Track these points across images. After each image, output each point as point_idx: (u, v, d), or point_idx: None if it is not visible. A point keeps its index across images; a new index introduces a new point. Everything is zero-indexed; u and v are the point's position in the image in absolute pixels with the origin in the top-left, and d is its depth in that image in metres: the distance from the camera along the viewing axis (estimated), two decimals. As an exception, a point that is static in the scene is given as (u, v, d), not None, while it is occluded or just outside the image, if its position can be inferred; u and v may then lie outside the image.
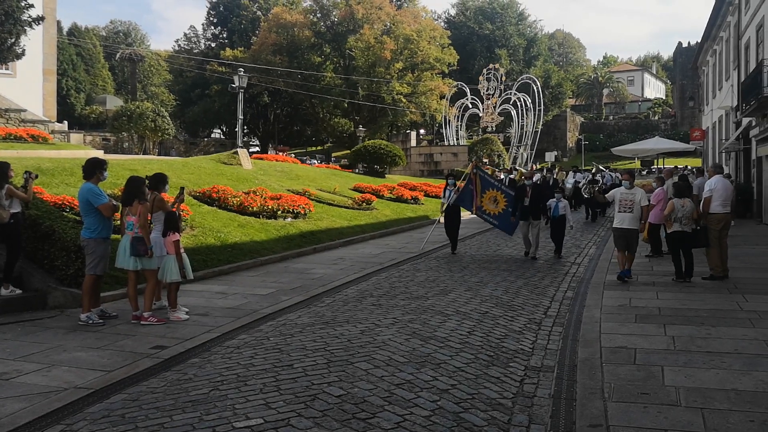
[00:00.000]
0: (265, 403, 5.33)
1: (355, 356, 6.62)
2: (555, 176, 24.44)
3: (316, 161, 51.39)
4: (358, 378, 5.94)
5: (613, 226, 11.44)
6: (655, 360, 6.51)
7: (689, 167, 34.85)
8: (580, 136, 67.72)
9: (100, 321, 8.18)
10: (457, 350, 6.94)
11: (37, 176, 9.50)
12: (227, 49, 63.40)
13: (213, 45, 70.62)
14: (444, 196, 15.44)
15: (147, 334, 7.75)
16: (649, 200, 11.62)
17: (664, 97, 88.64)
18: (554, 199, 14.48)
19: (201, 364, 6.51)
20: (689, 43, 66.61)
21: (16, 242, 8.99)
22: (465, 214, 16.34)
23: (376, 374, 6.05)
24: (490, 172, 20.89)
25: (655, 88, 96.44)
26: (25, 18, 23.62)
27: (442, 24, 70.32)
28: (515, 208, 14.18)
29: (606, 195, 12.30)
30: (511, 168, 33.02)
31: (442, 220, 15.56)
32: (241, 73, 26.86)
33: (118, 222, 8.97)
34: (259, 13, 69.35)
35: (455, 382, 5.93)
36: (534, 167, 32.86)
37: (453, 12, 75.75)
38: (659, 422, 4.96)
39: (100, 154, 19.59)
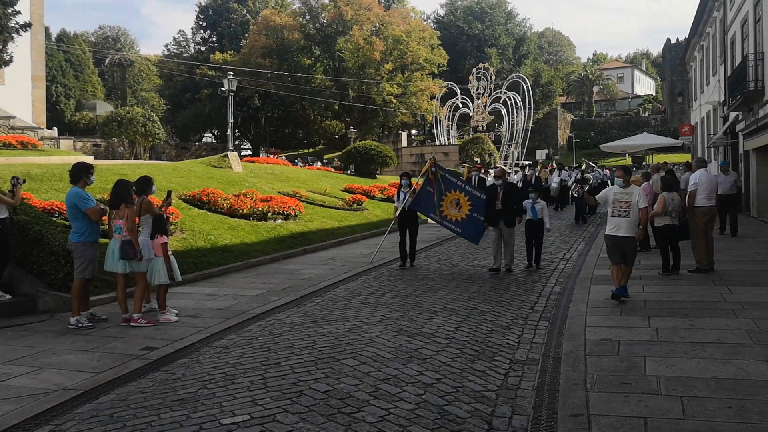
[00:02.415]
0: (252, 400, 5.40)
1: (342, 353, 6.69)
2: (538, 174, 23.47)
3: (319, 163, 50.42)
4: (345, 374, 6.01)
5: (606, 233, 9.38)
6: (638, 351, 6.60)
7: (687, 162, 34.91)
8: (570, 134, 68.07)
9: (90, 324, 8.23)
10: (444, 345, 7.02)
11: (24, 181, 9.53)
12: (217, 52, 63.45)
13: (203, 49, 70.62)
14: (397, 199, 13.34)
15: (136, 336, 7.81)
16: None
17: (654, 94, 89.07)
18: (529, 200, 12.44)
19: (190, 364, 6.57)
20: (678, 39, 66.95)
21: (5, 248, 9.03)
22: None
23: (362, 370, 6.13)
24: (465, 175, 20.04)
25: (645, 85, 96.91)
26: (12, 25, 23.64)
27: (432, 24, 70.50)
28: (487, 212, 12.17)
29: (596, 196, 10.08)
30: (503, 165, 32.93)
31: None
32: (231, 77, 26.90)
33: (106, 226, 9.02)
34: (248, 16, 69.41)
35: (440, 376, 6.01)
36: (503, 165, 31.57)
37: (442, 12, 75.99)
38: (639, 410, 5.06)
39: (89, 159, 19.62)
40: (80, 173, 8.41)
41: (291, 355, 6.71)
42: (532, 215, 12.30)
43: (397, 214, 13.00)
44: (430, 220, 13.91)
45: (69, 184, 8.64)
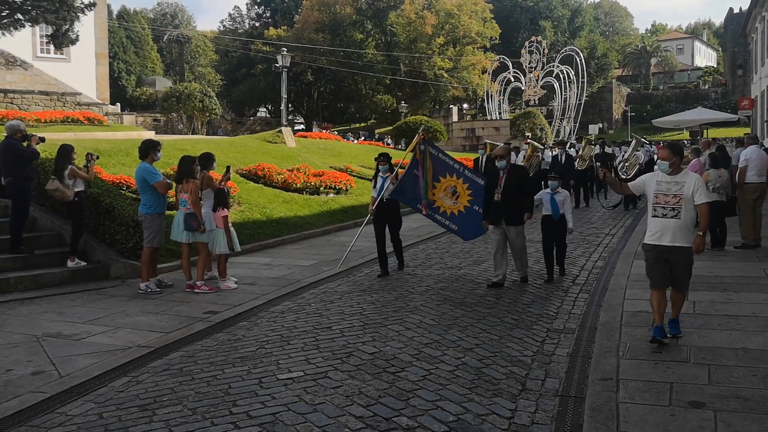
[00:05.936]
0: (306, 359, 5.93)
1: (389, 319, 7.18)
2: (580, 152, 19.28)
3: (387, 139, 48.74)
4: (390, 338, 6.49)
5: (645, 241, 6.35)
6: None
7: (739, 138, 33.81)
8: (626, 108, 66.51)
9: (158, 289, 8.93)
10: (484, 314, 7.43)
11: (98, 157, 10.29)
12: (271, 28, 64.20)
13: (257, 24, 71.51)
14: (374, 187, 10.29)
15: (200, 300, 8.46)
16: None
17: (715, 66, 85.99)
18: (547, 191, 9.41)
19: (249, 327, 7.16)
20: (741, 9, 64.34)
21: (81, 218, 9.81)
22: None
23: (406, 335, 6.60)
24: (528, 153, 16.89)
25: (705, 56, 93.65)
26: (78, 4, 24.58)
27: (484, -3, 69.53)
28: (486, 206, 9.07)
29: (630, 183, 6.68)
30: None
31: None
32: (284, 53, 27.46)
33: (172, 199, 9.68)
34: (301, -9, 69.73)
35: (479, 342, 6.43)
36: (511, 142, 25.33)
37: (495, -16, 74.78)
38: (667, 376, 5.36)
39: (151, 134, 20.54)
40: (149, 150, 9.07)
41: (341, 320, 7.23)
42: (550, 210, 9.29)
43: (374, 206, 10.04)
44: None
45: (135, 159, 9.33)
